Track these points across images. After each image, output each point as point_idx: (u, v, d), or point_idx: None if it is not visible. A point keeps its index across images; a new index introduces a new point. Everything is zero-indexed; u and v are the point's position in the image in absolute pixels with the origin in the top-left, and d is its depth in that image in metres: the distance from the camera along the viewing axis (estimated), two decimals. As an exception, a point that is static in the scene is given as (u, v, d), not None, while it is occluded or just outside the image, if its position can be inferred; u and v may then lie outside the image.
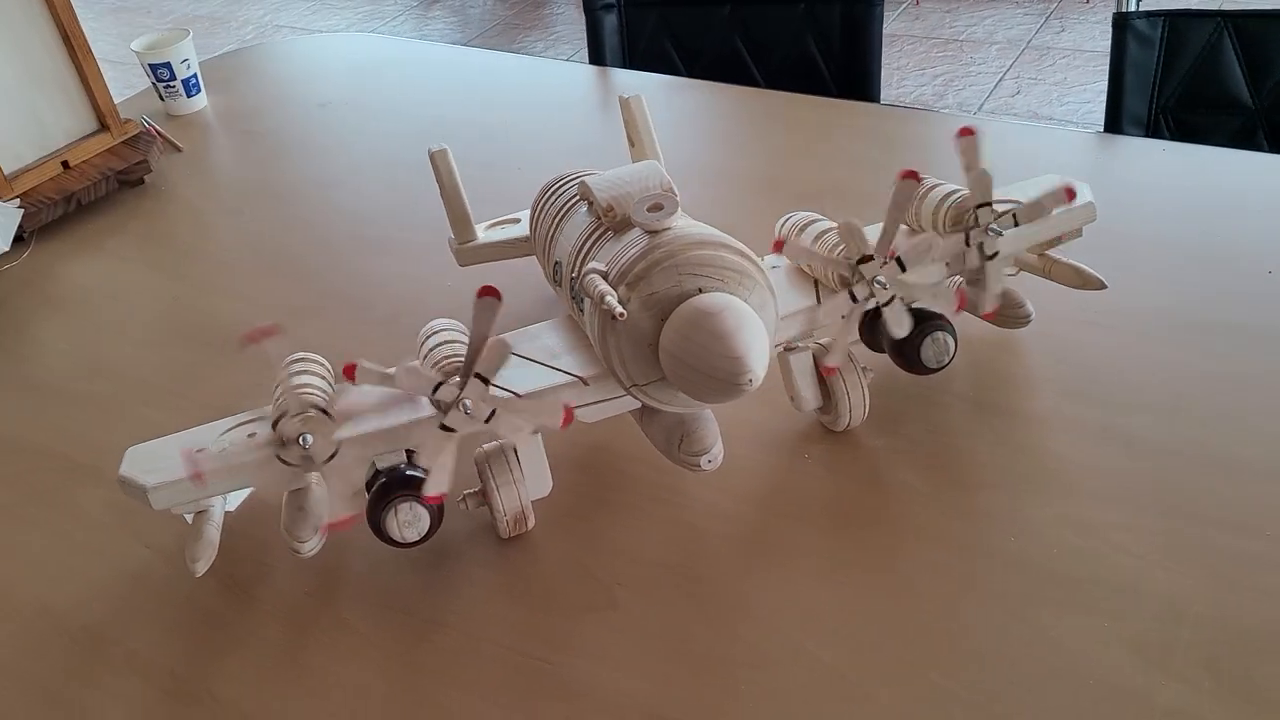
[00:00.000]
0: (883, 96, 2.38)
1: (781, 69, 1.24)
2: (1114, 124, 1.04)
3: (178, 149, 1.13)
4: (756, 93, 1.15)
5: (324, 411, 0.54)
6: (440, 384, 0.54)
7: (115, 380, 0.82)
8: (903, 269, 0.58)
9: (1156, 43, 1.00)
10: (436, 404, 0.54)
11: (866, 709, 0.51)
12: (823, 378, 0.65)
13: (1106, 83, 1.03)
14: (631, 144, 0.79)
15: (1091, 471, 0.62)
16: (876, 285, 0.57)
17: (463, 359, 0.55)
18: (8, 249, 0.91)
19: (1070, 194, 0.60)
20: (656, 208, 0.53)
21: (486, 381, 0.53)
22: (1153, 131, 1.04)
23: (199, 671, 0.58)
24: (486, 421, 0.54)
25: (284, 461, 0.55)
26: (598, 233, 0.57)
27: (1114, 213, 0.85)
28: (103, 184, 1.03)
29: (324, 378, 0.58)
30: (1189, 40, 1.00)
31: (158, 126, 1.15)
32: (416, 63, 1.33)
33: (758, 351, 0.48)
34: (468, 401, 0.53)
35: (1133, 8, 1.01)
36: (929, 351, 0.64)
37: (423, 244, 0.92)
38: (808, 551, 0.60)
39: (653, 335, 0.51)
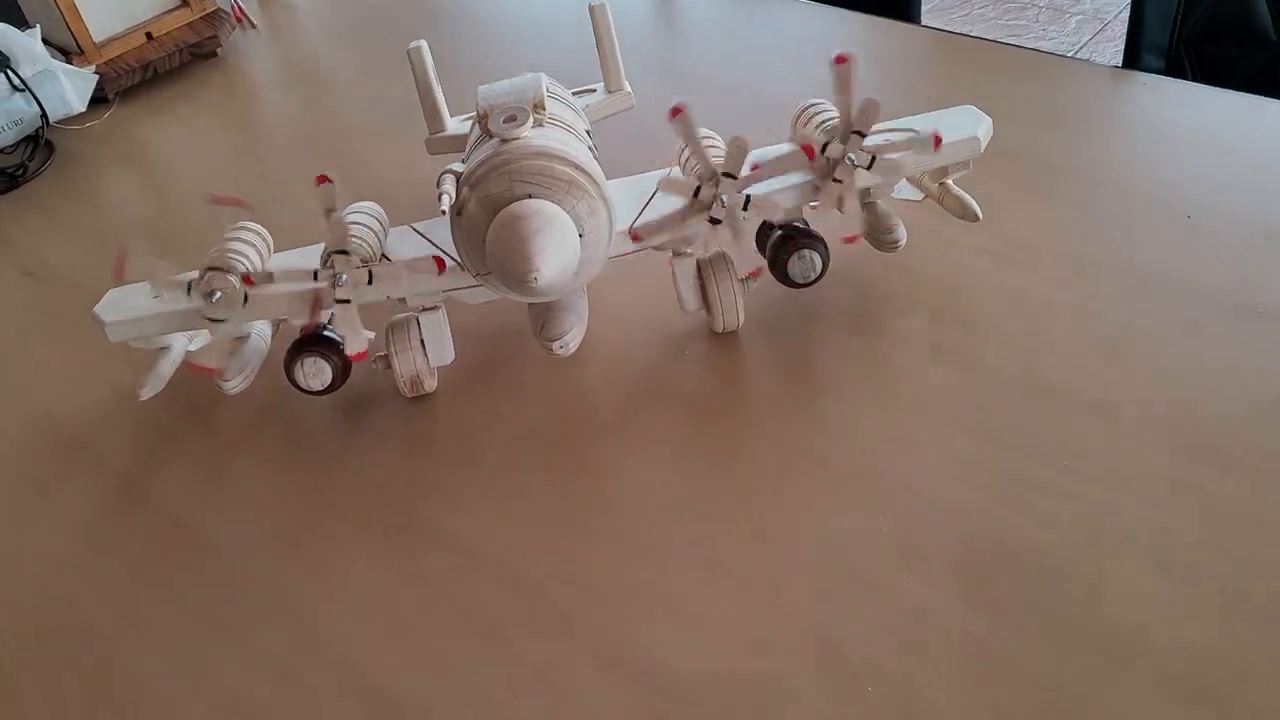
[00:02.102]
0: None
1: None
2: (1133, 54, 1.01)
3: (253, 26, 1.25)
4: (789, 4, 1.16)
5: (239, 274, 0.64)
6: (332, 254, 0.63)
7: (152, 233, 0.95)
8: (746, 207, 0.63)
9: (1184, -31, 0.97)
10: (328, 269, 0.63)
11: (661, 569, 0.59)
12: (704, 283, 0.71)
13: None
14: (598, 50, 0.85)
15: (927, 390, 0.66)
16: (719, 200, 0.62)
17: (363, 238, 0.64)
18: (84, 110, 1.05)
19: (937, 142, 0.63)
20: (511, 119, 0.59)
21: (371, 277, 0.63)
22: (1172, 63, 1.00)
23: (146, 478, 0.71)
24: (339, 301, 0.63)
25: (203, 315, 0.66)
26: (480, 137, 0.64)
27: (1066, 146, 0.85)
28: (177, 55, 1.15)
29: (255, 247, 0.68)
30: (1217, -32, 0.95)
31: (241, 4, 1.26)
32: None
33: (551, 255, 0.54)
34: (344, 275, 0.62)
35: (1161, -70, 0.97)
36: (796, 268, 0.69)
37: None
38: (662, 436, 0.67)
39: (486, 232, 0.58)
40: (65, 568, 0.66)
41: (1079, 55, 2.13)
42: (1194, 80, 0.97)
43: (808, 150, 0.62)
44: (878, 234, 0.70)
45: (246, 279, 0.64)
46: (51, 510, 0.70)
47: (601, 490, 0.65)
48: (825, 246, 0.69)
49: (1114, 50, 2.13)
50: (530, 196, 0.57)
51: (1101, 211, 0.78)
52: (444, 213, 0.57)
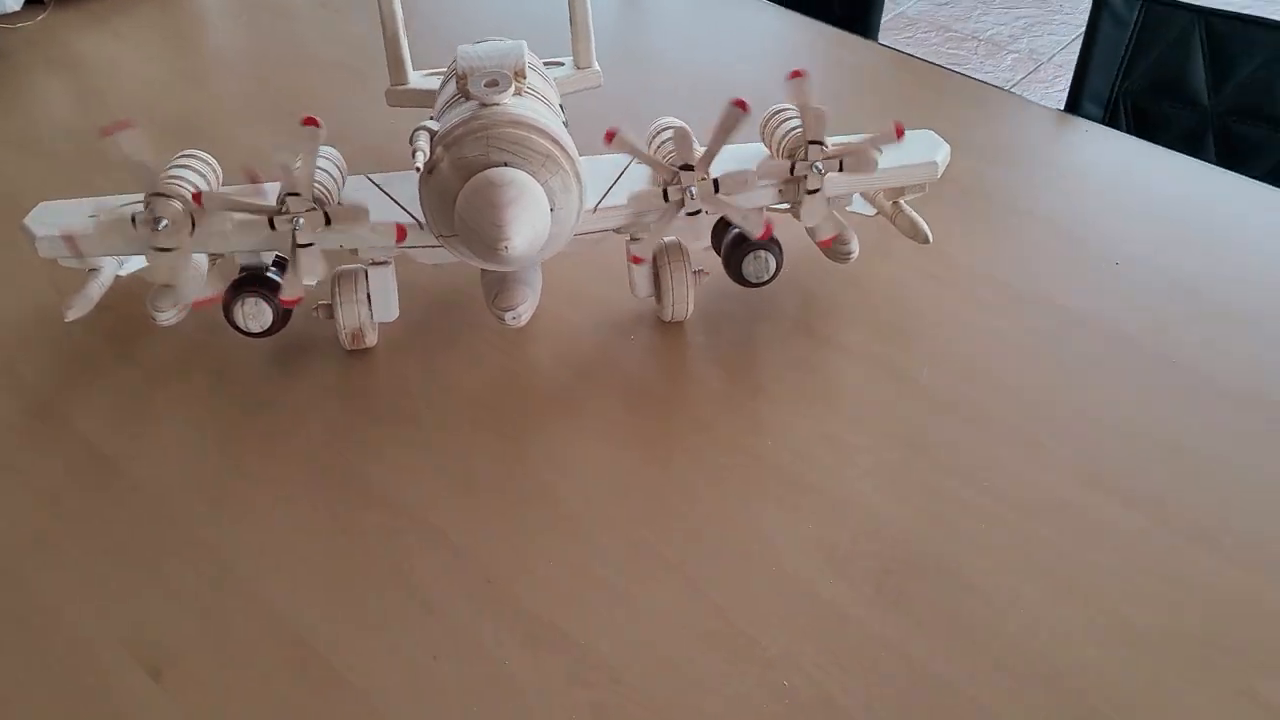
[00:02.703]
0: (964, 28, 2.33)
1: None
2: (1075, 100, 1.05)
3: (206, -54, 1.20)
4: (751, 2, 1.17)
5: (183, 204, 0.62)
6: (290, 195, 0.62)
7: (81, 145, 0.92)
8: (717, 189, 0.64)
9: (1130, 25, 1.01)
10: (282, 206, 0.62)
11: (590, 547, 0.60)
12: (658, 271, 0.71)
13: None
14: (571, 23, 0.85)
15: (863, 401, 0.68)
16: (688, 194, 0.63)
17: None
18: (19, 9, 1.00)
19: (899, 132, 0.64)
20: (492, 84, 0.59)
21: (328, 220, 0.62)
22: (1110, 113, 1.05)
23: (64, 402, 0.68)
24: (297, 246, 0.62)
25: (151, 247, 0.63)
26: (455, 97, 0.63)
27: (1010, 181, 0.89)
28: (124, -34, 1.10)
29: (204, 176, 0.66)
30: (1161, 29, 1.00)
31: (194, -79, 1.21)
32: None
33: (523, 226, 0.55)
34: (301, 219, 0.61)
35: (1115, -14, 1.01)
36: (750, 267, 0.70)
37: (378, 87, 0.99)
38: (601, 417, 0.68)
39: (456, 194, 0.58)
40: (-30, 487, 0.63)
41: (1012, 92, 2.21)
42: (1128, 131, 1.01)
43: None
44: (832, 243, 0.71)
45: (196, 197, 0.62)
46: (-42, 425, 0.67)
47: (538, 464, 0.65)
48: (780, 249, 0.70)
49: (1044, 90, 2.22)
50: (506, 165, 0.57)
51: (1038, 248, 0.81)
52: (417, 170, 0.56)
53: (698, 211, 0.64)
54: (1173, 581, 0.58)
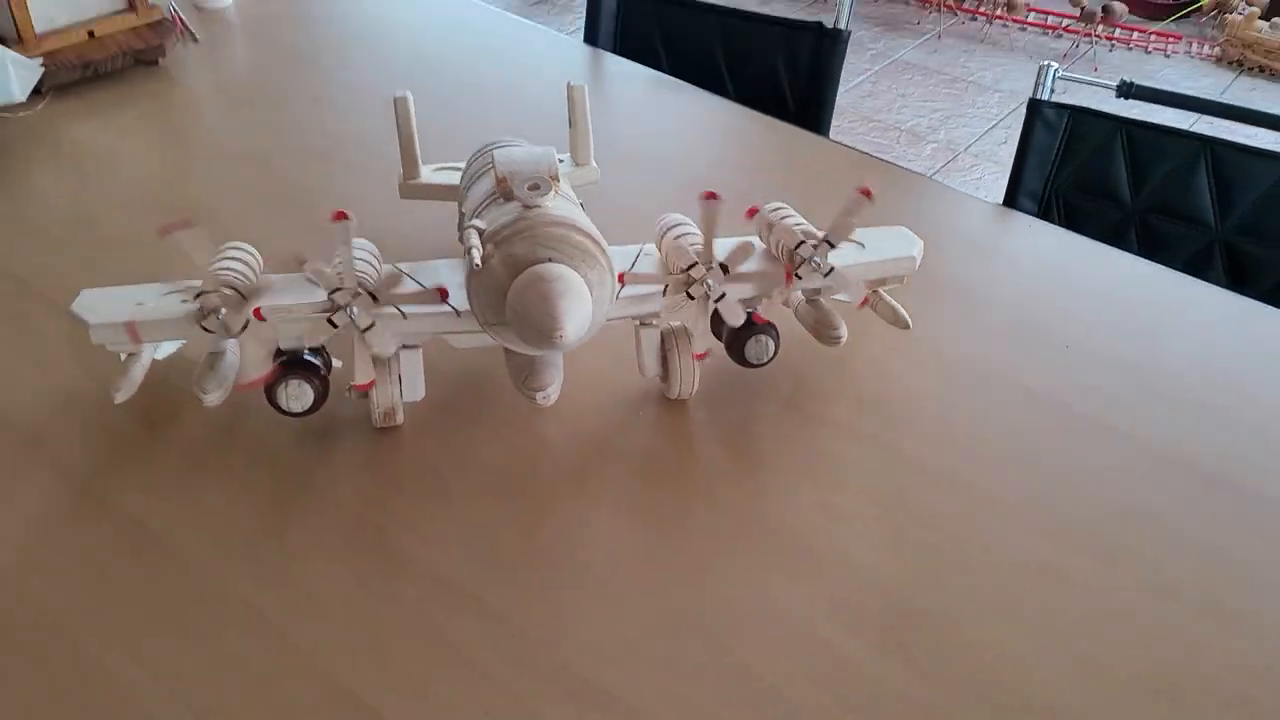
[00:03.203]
0: (886, 119, 2.49)
1: (750, 80, 1.36)
2: (1012, 195, 1.17)
3: (194, 39, 1.25)
4: (720, 102, 1.26)
5: (239, 292, 0.67)
6: (338, 289, 0.67)
7: (95, 234, 0.95)
8: (725, 273, 0.71)
9: (1060, 131, 1.13)
10: (331, 302, 0.67)
11: (618, 609, 0.65)
12: (665, 353, 0.78)
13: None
14: (571, 125, 0.92)
15: (852, 470, 0.76)
16: (707, 286, 0.70)
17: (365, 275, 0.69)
18: (24, 100, 1.03)
19: (867, 194, 0.72)
20: (534, 187, 0.66)
21: (375, 298, 0.67)
22: (1044, 207, 1.16)
23: (104, 480, 0.72)
24: (363, 331, 0.67)
25: (203, 328, 0.68)
26: (492, 197, 0.70)
27: (966, 271, 0.98)
28: (120, 58, 1.15)
29: (248, 264, 0.71)
30: (1087, 135, 1.12)
31: (181, 15, 1.27)
32: (435, 5, 1.45)
33: (574, 316, 0.61)
34: (354, 309, 0.66)
35: (1046, 97, 1.13)
36: (751, 350, 0.77)
37: (380, 171, 1.05)
38: (616, 489, 0.74)
39: (505, 286, 0.64)
40: (26, 565, 0.66)
41: (939, 174, 2.35)
42: (1060, 224, 1.12)
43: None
44: (822, 329, 0.79)
45: (258, 314, 0.67)
46: (8, 506, 0.69)
47: (561, 533, 0.70)
48: (777, 334, 0.78)
49: (962, 179, 2.37)
50: (550, 260, 0.63)
51: (996, 331, 0.90)
52: (476, 266, 0.62)
53: (722, 297, 0.71)
54: (1137, 628, 0.66)
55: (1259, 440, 0.81)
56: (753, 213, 0.69)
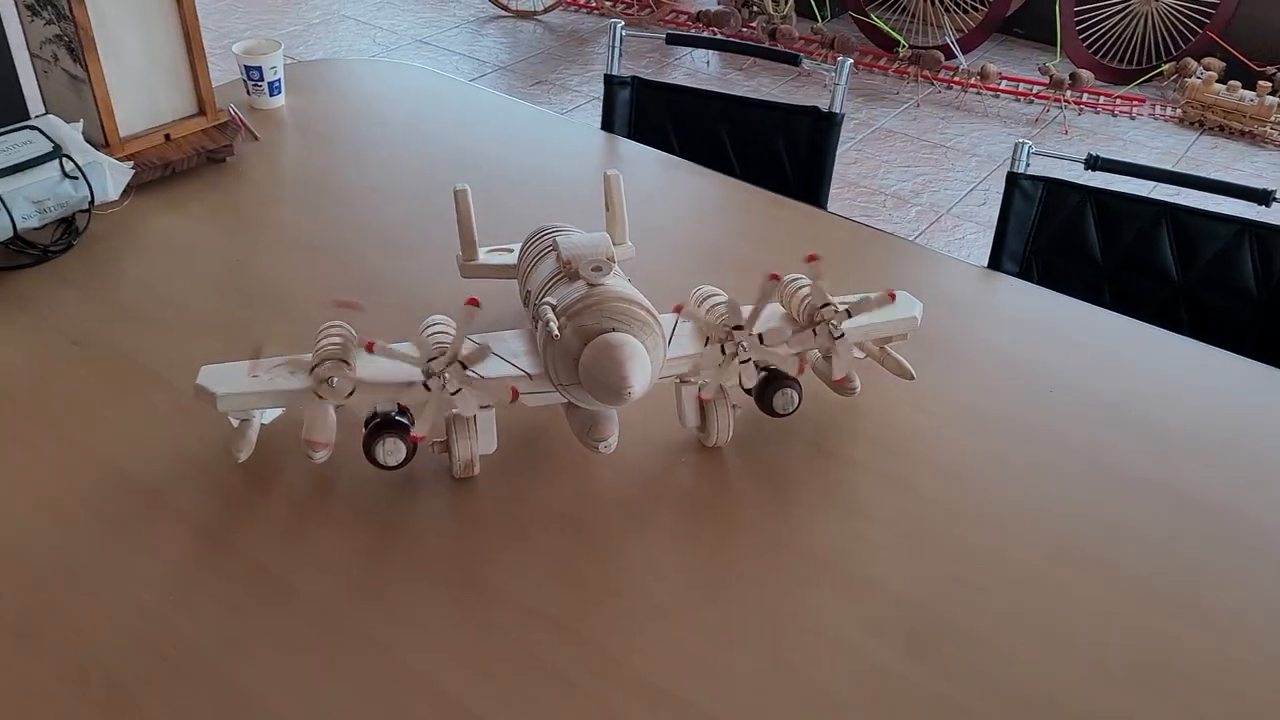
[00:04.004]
0: (871, 184, 2.63)
1: (754, 159, 1.50)
2: (996, 258, 1.30)
3: (255, 138, 1.38)
4: (727, 180, 1.40)
5: (345, 363, 0.79)
6: (433, 359, 0.79)
7: (180, 312, 1.07)
8: (761, 341, 0.83)
9: (1036, 199, 1.27)
10: (426, 372, 0.79)
11: (683, 628, 0.76)
12: (703, 405, 0.90)
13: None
14: (607, 209, 1.05)
15: (875, 503, 0.87)
16: (740, 348, 0.83)
17: (449, 344, 0.81)
18: (117, 198, 1.16)
19: (891, 296, 0.85)
20: (597, 269, 0.78)
21: (464, 365, 0.79)
22: (1025, 268, 1.30)
23: (225, 529, 0.83)
24: (453, 394, 0.79)
25: (316, 394, 0.80)
26: (557, 276, 0.82)
27: (957, 327, 1.11)
28: (194, 157, 1.28)
29: (346, 340, 0.83)
30: (1061, 203, 1.25)
31: (241, 116, 1.40)
32: (464, 100, 1.59)
33: (639, 375, 0.73)
34: (448, 375, 0.78)
35: (1022, 170, 1.27)
36: (778, 401, 0.89)
37: (437, 253, 1.17)
38: (665, 524, 0.85)
39: (577, 352, 0.76)
40: (169, 604, 0.77)
41: (917, 240, 2.50)
42: (1039, 283, 1.25)
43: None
44: (839, 382, 0.91)
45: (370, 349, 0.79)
46: (145, 555, 0.80)
47: (626, 563, 0.82)
48: (800, 387, 0.90)
49: (946, 239, 2.52)
50: (614, 330, 0.76)
51: (988, 379, 1.03)
52: (555, 336, 0.74)
53: (748, 360, 0.83)
54: (1123, 629, 0.78)
55: (1225, 463, 0.93)
56: (775, 277, 0.81)
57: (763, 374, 0.91)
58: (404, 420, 0.84)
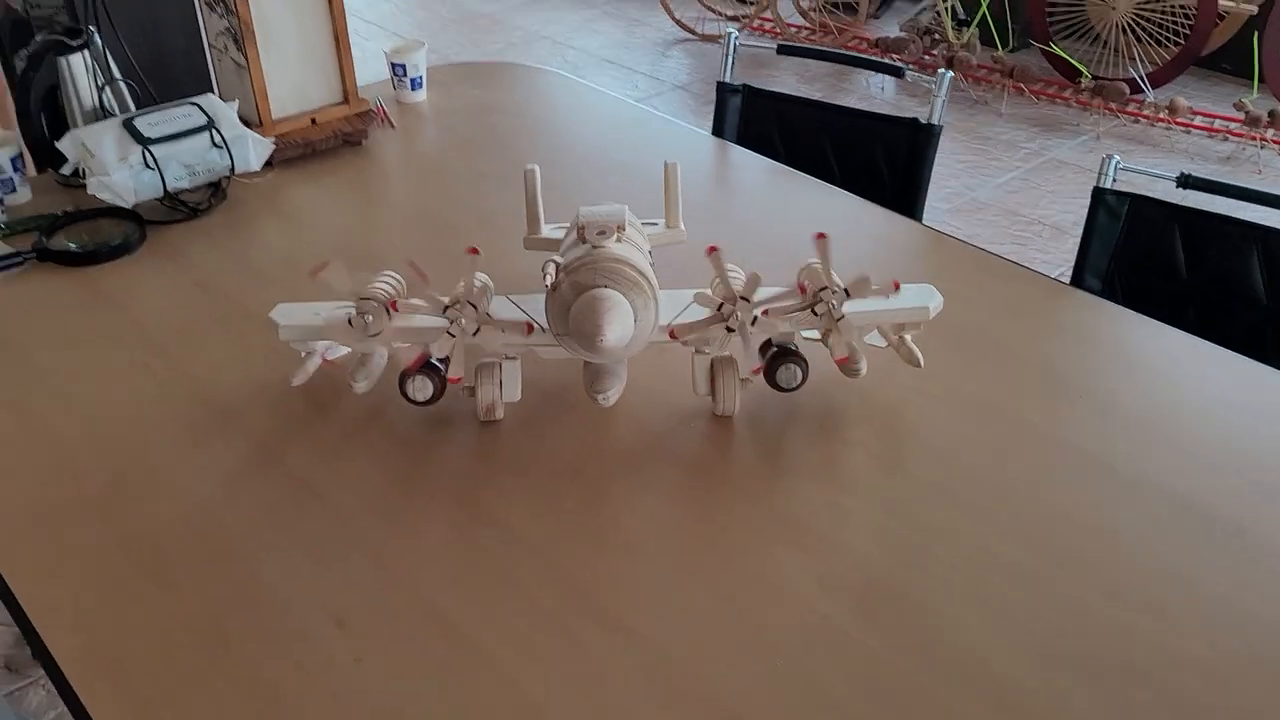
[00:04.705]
0: (1031, 213, 2.55)
1: (854, 166, 1.53)
2: (1079, 273, 1.28)
3: (392, 126, 1.54)
4: (822, 185, 1.44)
5: (383, 305, 0.90)
6: (448, 305, 0.89)
7: (293, 269, 1.22)
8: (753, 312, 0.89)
9: (1122, 216, 1.24)
10: (447, 317, 0.89)
11: (650, 565, 0.83)
12: (712, 375, 0.96)
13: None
14: (665, 193, 1.12)
15: (862, 480, 0.90)
16: (735, 317, 0.88)
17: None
18: (259, 169, 1.33)
19: (896, 286, 0.88)
20: (601, 233, 0.86)
21: (475, 307, 0.88)
22: (1108, 285, 1.27)
23: (279, 445, 0.95)
24: (473, 335, 0.88)
25: (351, 327, 0.91)
26: (575, 241, 0.90)
27: (1013, 332, 1.11)
28: (333, 139, 1.45)
29: (394, 286, 0.94)
30: (1147, 220, 1.22)
31: (385, 107, 1.57)
32: (594, 104, 1.71)
33: (614, 327, 0.80)
34: (464, 320, 0.88)
35: (1109, 185, 1.25)
36: (782, 376, 0.94)
37: (523, 231, 1.28)
38: (665, 479, 0.92)
39: (570, 304, 0.84)
40: (220, 500, 0.90)
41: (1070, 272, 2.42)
42: (1121, 301, 1.23)
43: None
44: (841, 361, 0.95)
45: (393, 304, 0.90)
46: (209, 459, 0.94)
47: (615, 508, 0.88)
48: (806, 364, 0.94)
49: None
50: (606, 287, 0.83)
51: (1021, 382, 1.03)
52: (549, 287, 0.83)
53: (732, 330, 0.88)
54: (1078, 618, 0.78)
55: (1230, 471, 0.90)
56: (712, 249, 0.87)
57: (773, 350, 0.96)
58: (439, 364, 0.95)
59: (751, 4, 4.03)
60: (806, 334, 0.98)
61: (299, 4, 1.40)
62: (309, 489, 0.91)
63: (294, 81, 1.43)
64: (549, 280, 0.83)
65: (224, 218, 1.32)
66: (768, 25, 3.94)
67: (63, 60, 1.31)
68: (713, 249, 0.87)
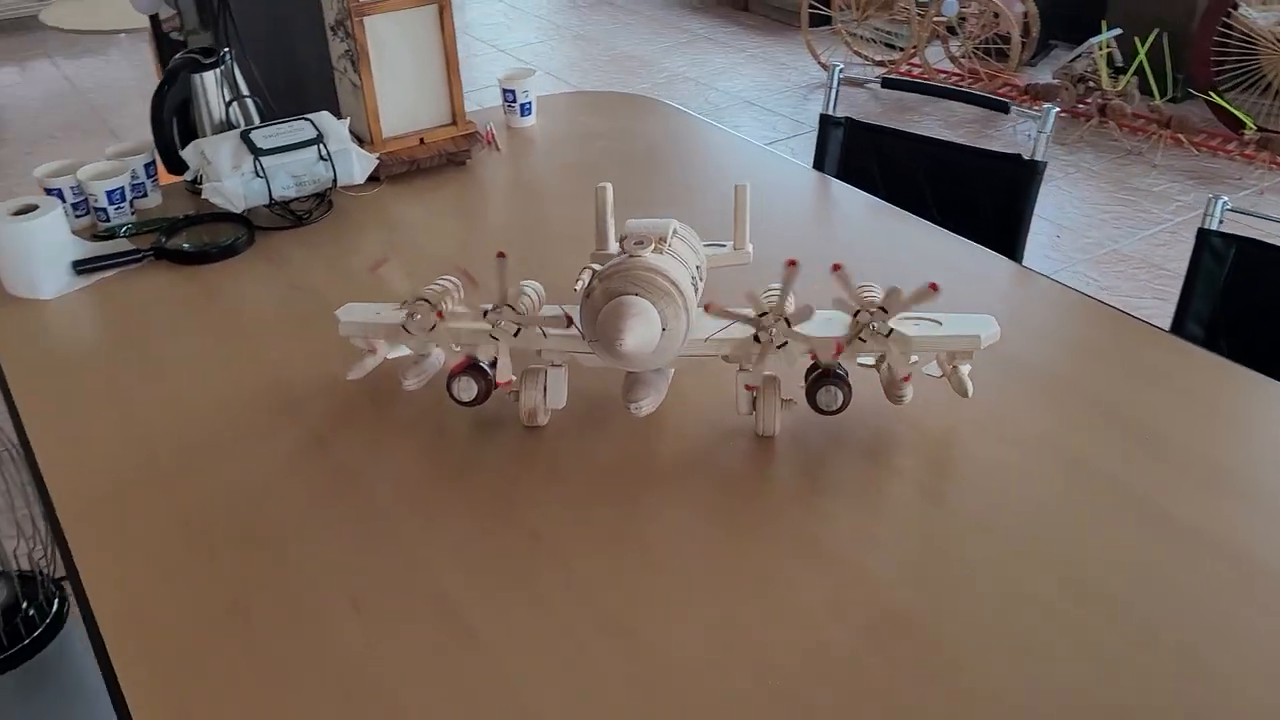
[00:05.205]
0: (1177, 267, 2.42)
1: (954, 201, 1.49)
2: (1180, 319, 1.20)
3: (498, 149, 1.60)
4: (920, 223, 1.40)
5: (432, 306, 0.93)
6: (488, 310, 0.91)
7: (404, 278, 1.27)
8: (788, 325, 0.87)
9: (1228, 260, 1.16)
10: (488, 320, 0.91)
11: (672, 578, 0.82)
12: (756, 396, 0.95)
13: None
14: (735, 215, 1.12)
15: (897, 503, 0.87)
16: (771, 334, 0.87)
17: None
18: (362, 182, 1.40)
19: (934, 288, 0.85)
20: (640, 244, 0.87)
21: (514, 309, 0.90)
22: (1209, 333, 1.18)
23: (331, 435, 0.99)
24: (514, 335, 0.90)
25: (404, 329, 0.95)
26: (620, 250, 0.91)
27: (1089, 374, 1.05)
28: (438, 158, 1.51)
29: (449, 290, 0.97)
30: (1255, 264, 1.14)
31: (494, 130, 1.62)
32: (702, 136, 1.73)
33: (635, 333, 0.80)
34: (504, 322, 0.90)
35: (1215, 227, 1.17)
36: (822, 398, 0.92)
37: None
38: (704, 497, 0.91)
39: (601, 310, 0.84)
40: (271, 483, 0.94)
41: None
42: (1224, 351, 1.14)
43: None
44: (891, 389, 0.92)
45: (439, 314, 0.93)
46: (267, 444, 0.99)
47: (644, 519, 0.88)
48: (849, 387, 0.92)
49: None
50: (637, 294, 0.84)
51: (1080, 419, 0.97)
52: (579, 291, 0.84)
53: (784, 344, 0.87)
54: (1102, 659, 0.73)
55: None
56: (792, 263, 0.85)
57: (816, 372, 0.94)
58: (485, 367, 0.97)
59: (899, 49, 3.99)
60: (863, 360, 0.96)
61: (413, 31, 1.47)
62: (350, 477, 0.94)
63: (405, 102, 1.50)
64: (581, 285, 0.85)
65: (329, 226, 1.40)
66: (915, 70, 3.88)
67: (196, 77, 1.42)
68: (837, 266, 0.86)
